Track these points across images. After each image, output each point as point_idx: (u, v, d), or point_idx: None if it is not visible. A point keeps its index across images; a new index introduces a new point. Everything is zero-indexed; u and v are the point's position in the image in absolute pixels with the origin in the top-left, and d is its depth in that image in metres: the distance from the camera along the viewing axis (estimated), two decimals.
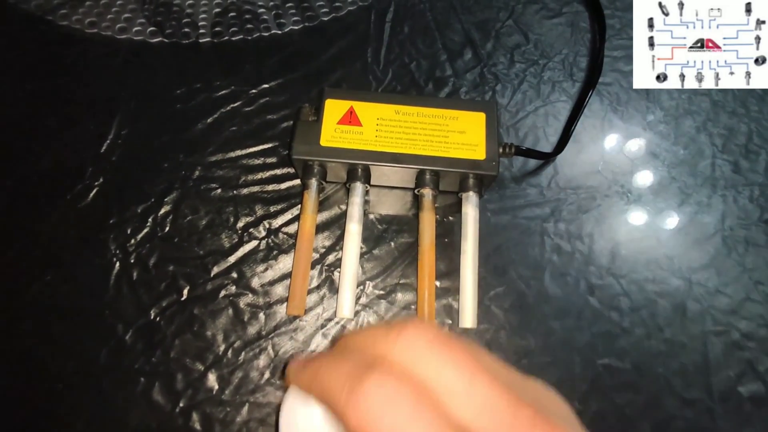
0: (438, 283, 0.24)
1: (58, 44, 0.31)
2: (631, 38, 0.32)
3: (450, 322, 0.24)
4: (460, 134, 0.24)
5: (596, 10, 0.33)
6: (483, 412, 0.15)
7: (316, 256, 0.25)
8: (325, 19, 0.33)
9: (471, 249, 0.23)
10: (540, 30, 0.33)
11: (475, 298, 0.22)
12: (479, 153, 0.23)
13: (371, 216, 0.26)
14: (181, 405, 0.22)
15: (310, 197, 0.24)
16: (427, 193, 0.24)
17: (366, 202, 0.26)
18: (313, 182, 0.24)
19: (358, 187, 0.24)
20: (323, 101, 0.24)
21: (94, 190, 0.26)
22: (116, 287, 0.24)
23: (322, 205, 0.26)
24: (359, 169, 0.24)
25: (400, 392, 0.14)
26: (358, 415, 0.14)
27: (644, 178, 0.28)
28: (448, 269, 0.25)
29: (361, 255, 0.25)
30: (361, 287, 0.24)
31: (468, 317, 0.22)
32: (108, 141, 0.28)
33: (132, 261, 0.25)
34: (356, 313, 0.24)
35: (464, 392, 0.15)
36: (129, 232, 0.25)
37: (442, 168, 0.23)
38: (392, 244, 0.25)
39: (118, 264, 0.24)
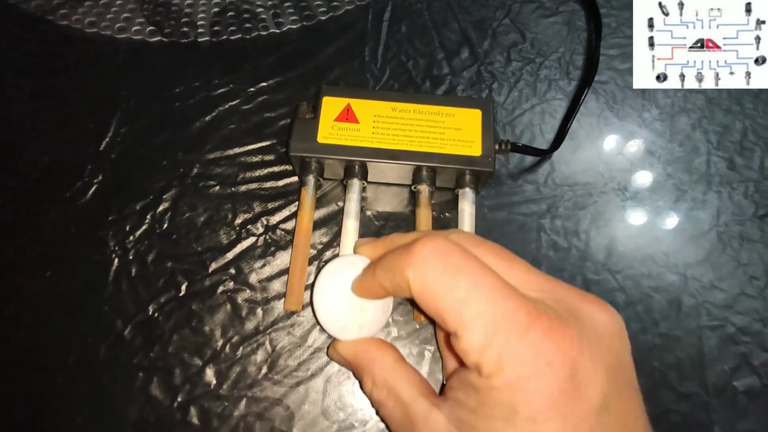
0: None
1: (58, 44, 0.31)
2: (627, 37, 0.33)
3: None
4: (456, 131, 0.24)
5: (592, 8, 0.33)
6: (520, 286, 0.17)
7: (313, 252, 0.25)
8: (323, 18, 0.33)
9: None
10: (536, 28, 0.33)
11: None
12: (475, 149, 0.24)
13: (368, 213, 0.26)
14: (179, 399, 0.22)
15: (308, 194, 0.24)
16: (424, 189, 0.24)
17: (363, 199, 0.26)
18: (311, 179, 0.24)
19: (355, 184, 0.24)
20: (320, 99, 0.25)
21: (93, 188, 0.26)
22: (115, 283, 0.24)
23: (319, 202, 0.26)
24: (356, 166, 0.24)
25: (450, 245, 0.17)
26: (415, 264, 0.16)
27: (640, 175, 0.28)
28: None
29: None
30: None
31: None
32: (107, 139, 0.28)
33: (131, 257, 0.25)
34: None
35: (503, 271, 0.17)
36: (128, 229, 0.25)
37: (439, 164, 0.23)
38: None
39: (117, 260, 0.25)
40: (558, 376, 0.14)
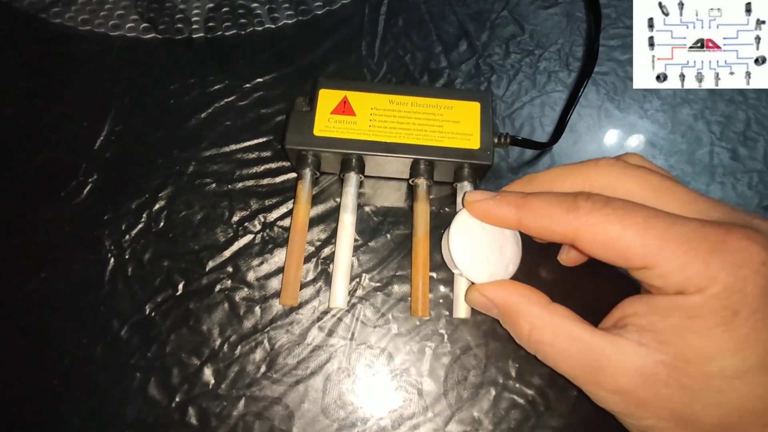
0: (434, 275, 0.24)
1: (51, 42, 0.31)
2: (627, 27, 0.32)
3: (447, 313, 0.24)
4: (454, 124, 0.24)
5: None
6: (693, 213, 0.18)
7: (311, 249, 0.25)
8: (319, 12, 0.33)
9: None
10: (535, 20, 0.33)
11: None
12: (474, 142, 0.23)
13: (367, 208, 0.26)
14: (177, 399, 0.22)
15: (304, 187, 0.24)
16: (421, 183, 0.24)
17: (361, 195, 0.26)
18: (307, 172, 0.24)
19: (352, 177, 0.24)
20: (317, 91, 0.24)
21: (89, 187, 0.26)
22: (111, 283, 0.24)
23: (317, 198, 0.26)
24: (353, 160, 0.24)
25: (608, 198, 0.18)
26: (579, 218, 0.17)
27: None
28: (444, 260, 0.24)
29: (357, 247, 0.25)
30: (357, 279, 0.24)
31: (462, 308, 0.22)
32: (102, 137, 0.28)
33: (127, 257, 0.24)
34: (352, 305, 0.24)
35: (669, 201, 0.18)
36: (124, 228, 0.25)
37: (436, 158, 0.23)
38: (388, 236, 0.25)
39: (112, 260, 0.24)
40: (765, 276, 0.16)
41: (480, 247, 0.20)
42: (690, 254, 0.16)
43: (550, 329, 0.18)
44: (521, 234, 0.22)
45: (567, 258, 0.24)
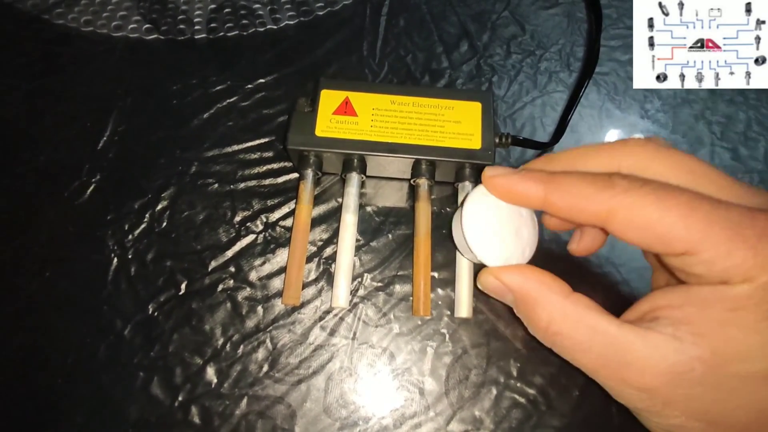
0: (435, 274, 0.24)
1: (54, 43, 0.31)
2: (628, 27, 0.32)
3: (448, 312, 0.24)
4: (455, 124, 0.24)
5: None
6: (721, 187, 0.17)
7: (313, 249, 0.25)
8: (321, 13, 0.33)
9: None
10: (536, 20, 0.33)
11: (471, 287, 0.22)
12: (475, 142, 0.23)
13: (368, 208, 0.26)
14: (180, 399, 0.22)
15: (306, 188, 0.24)
16: (423, 183, 0.24)
17: (363, 195, 0.26)
18: (309, 173, 0.24)
19: (354, 177, 0.24)
20: (318, 92, 0.24)
21: (92, 187, 0.26)
22: (114, 283, 0.24)
23: (319, 199, 0.26)
24: (355, 160, 0.24)
25: (647, 179, 0.16)
26: (616, 196, 0.16)
27: None
28: (446, 260, 0.25)
29: (359, 247, 0.25)
30: (359, 279, 0.24)
31: (464, 307, 0.22)
32: (105, 138, 0.28)
33: (130, 257, 0.25)
34: (354, 305, 0.24)
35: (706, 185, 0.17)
36: (126, 228, 0.25)
37: (438, 158, 0.23)
38: (390, 236, 0.25)
39: (116, 260, 0.24)
40: None
41: (495, 228, 0.19)
42: (737, 240, 0.15)
43: (572, 320, 0.17)
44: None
45: (578, 247, 0.22)
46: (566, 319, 0.17)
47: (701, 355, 0.15)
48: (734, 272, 0.15)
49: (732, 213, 0.15)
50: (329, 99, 0.24)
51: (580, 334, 0.17)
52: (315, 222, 0.25)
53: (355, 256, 0.24)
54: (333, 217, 0.26)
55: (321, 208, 0.26)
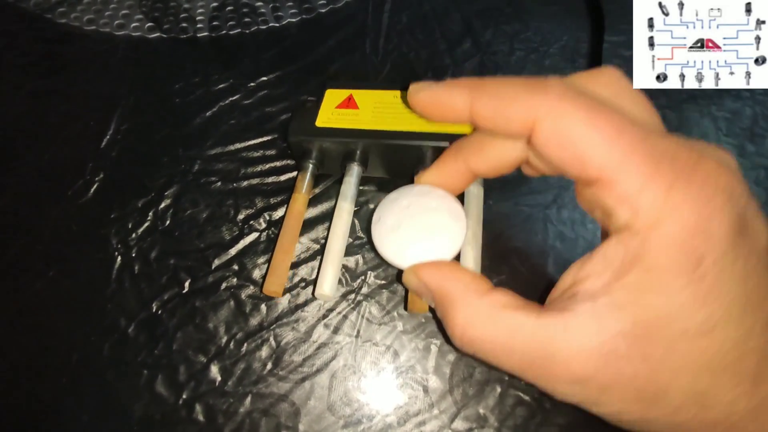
0: None
1: (57, 42, 0.31)
2: (632, 23, 0.32)
3: None
4: None
5: None
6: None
7: (316, 246, 0.25)
8: (323, 11, 0.33)
9: (473, 227, 0.23)
10: (540, 17, 0.33)
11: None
12: None
13: (372, 206, 0.26)
14: (184, 397, 0.22)
15: (304, 178, 0.24)
16: None
17: (366, 193, 0.26)
18: (308, 164, 0.24)
19: (353, 168, 0.24)
20: (323, 92, 0.25)
21: (95, 186, 0.26)
22: (118, 281, 0.24)
23: (319, 199, 0.26)
24: (355, 152, 0.23)
25: (577, 90, 0.15)
26: (548, 100, 0.14)
27: None
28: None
29: (362, 245, 0.25)
30: (363, 277, 0.24)
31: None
32: (108, 136, 0.28)
33: (133, 255, 0.25)
34: (358, 303, 0.24)
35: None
36: (130, 226, 0.25)
37: (441, 143, 0.23)
38: None
39: (119, 258, 0.25)
40: (735, 212, 0.13)
41: (406, 229, 0.18)
42: (657, 173, 0.13)
43: (490, 323, 0.15)
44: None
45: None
46: (484, 323, 0.15)
47: (623, 329, 0.13)
48: (643, 215, 0.13)
49: (663, 144, 0.14)
50: (333, 96, 0.24)
51: (501, 336, 0.15)
52: (317, 220, 0.25)
53: (358, 254, 0.24)
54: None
55: (322, 207, 0.26)
